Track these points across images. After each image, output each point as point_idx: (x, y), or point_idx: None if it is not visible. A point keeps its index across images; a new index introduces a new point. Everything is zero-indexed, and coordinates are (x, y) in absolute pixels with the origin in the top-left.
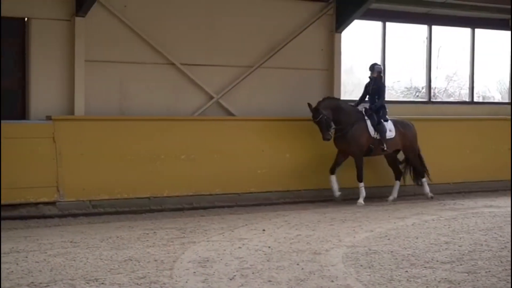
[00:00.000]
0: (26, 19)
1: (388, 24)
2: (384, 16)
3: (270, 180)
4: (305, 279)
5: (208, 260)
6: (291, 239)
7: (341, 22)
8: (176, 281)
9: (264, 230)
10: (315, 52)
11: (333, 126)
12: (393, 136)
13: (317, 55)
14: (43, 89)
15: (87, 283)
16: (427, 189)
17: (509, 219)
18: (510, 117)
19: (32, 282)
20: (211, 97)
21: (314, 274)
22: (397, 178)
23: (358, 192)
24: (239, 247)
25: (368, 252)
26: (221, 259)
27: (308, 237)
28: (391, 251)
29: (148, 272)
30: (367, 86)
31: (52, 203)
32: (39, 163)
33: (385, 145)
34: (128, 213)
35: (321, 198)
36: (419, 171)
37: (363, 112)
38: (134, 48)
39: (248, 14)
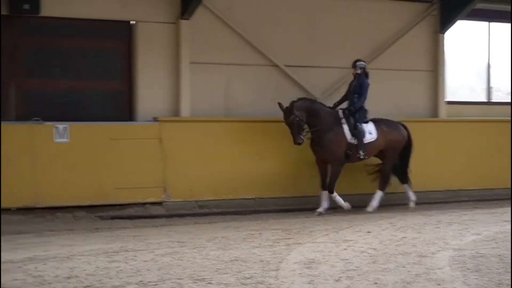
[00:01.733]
0: (132, 22)
1: (492, 24)
2: (489, 16)
3: (374, 182)
4: (411, 282)
5: (313, 262)
6: (396, 241)
7: (445, 23)
8: (282, 282)
9: (369, 232)
10: (419, 53)
11: (306, 129)
12: (374, 138)
13: (421, 56)
14: (149, 90)
15: (194, 282)
16: (375, 202)
17: None
18: None
19: (141, 281)
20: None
21: (421, 277)
22: (403, 181)
23: (319, 200)
24: (345, 249)
25: (475, 256)
26: (326, 261)
27: (414, 239)
28: (499, 255)
29: (255, 273)
30: (350, 84)
31: (159, 203)
32: (146, 164)
33: (361, 152)
34: (233, 213)
35: (426, 200)
36: (384, 179)
37: (341, 115)
38: (238, 50)
39: (352, 15)
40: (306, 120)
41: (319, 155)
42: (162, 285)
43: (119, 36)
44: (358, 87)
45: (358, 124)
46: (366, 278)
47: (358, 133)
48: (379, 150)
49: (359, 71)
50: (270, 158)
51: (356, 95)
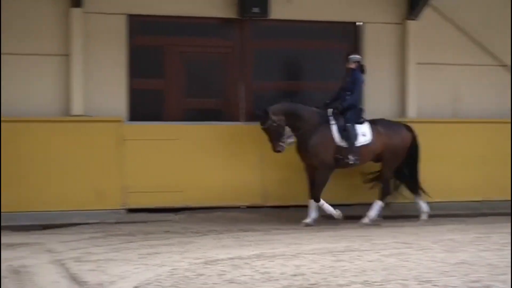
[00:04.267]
0: (359, 23)
1: None
2: None
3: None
4: None
5: None
6: None
7: None
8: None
9: None
10: None
11: (286, 135)
12: (368, 141)
13: None
14: (375, 91)
15: (420, 284)
16: (371, 214)
17: None
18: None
19: (366, 281)
20: None
21: None
22: (414, 192)
23: (308, 211)
24: None
25: None
26: None
27: None
28: None
29: (482, 276)
30: (342, 80)
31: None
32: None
33: (351, 157)
34: (460, 216)
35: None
36: (384, 190)
37: (329, 115)
38: (465, 50)
39: None
40: (288, 124)
41: (305, 160)
42: (387, 285)
43: (345, 37)
44: (350, 83)
45: (348, 124)
46: None
47: (348, 135)
48: (376, 154)
49: (352, 66)
50: (497, 160)
51: (348, 93)
